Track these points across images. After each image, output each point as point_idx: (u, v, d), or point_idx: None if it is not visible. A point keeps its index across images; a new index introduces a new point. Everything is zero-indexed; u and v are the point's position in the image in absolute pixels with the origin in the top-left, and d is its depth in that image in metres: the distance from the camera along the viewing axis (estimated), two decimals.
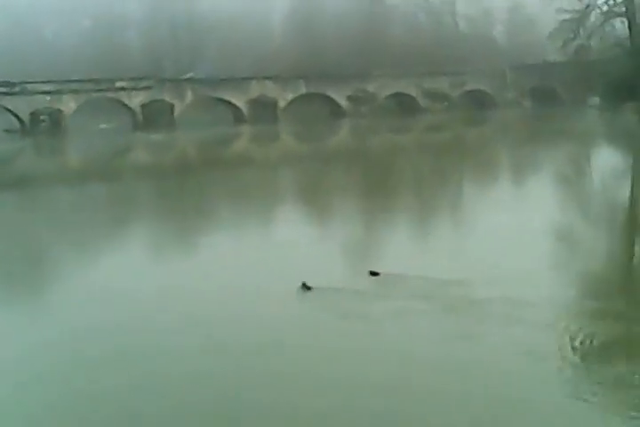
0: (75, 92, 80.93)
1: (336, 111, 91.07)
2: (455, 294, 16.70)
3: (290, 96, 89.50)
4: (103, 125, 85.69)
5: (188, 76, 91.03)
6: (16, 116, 79.83)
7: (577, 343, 14.05)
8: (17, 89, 78.43)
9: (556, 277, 18.64)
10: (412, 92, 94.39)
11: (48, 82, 79.84)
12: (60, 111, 79.94)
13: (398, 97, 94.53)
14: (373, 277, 18.33)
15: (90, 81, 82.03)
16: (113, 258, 23.19)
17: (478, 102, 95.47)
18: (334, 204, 33.31)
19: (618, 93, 64.92)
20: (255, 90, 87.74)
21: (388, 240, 23.94)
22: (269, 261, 20.67)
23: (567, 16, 73.73)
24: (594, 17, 74.10)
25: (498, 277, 17.64)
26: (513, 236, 22.16)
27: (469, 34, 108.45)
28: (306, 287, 17.38)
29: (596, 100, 76.22)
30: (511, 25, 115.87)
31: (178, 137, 76.07)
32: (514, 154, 51.63)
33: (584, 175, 39.47)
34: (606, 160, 43.07)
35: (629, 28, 72.40)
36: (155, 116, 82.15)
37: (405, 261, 19.76)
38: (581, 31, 73.35)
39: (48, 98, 79.54)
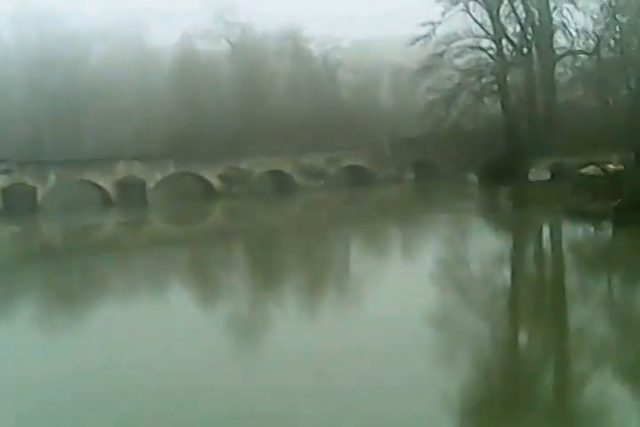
0: None
1: (209, 191, 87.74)
2: None
3: (159, 176, 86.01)
4: None
5: None
6: None
7: None
8: None
9: None
10: (288, 169, 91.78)
11: None
12: None
13: (273, 175, 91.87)
14: None
15: None
16: None
17: (358, 178, 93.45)
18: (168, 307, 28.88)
19: (493, 176, 63.96)
20: (122, 171, 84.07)
21: None
22: None
23: (437, 95, 72.96)
24: (465, 95, 73.45)
25: None
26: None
27: (352, 102, 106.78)
28: None
29: (474, 177, 74.94)
30: (394, 90, 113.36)
31: (40, 223, 71.91)
32: (392, 235, 49.40)
33: (459, 263, 35.88)
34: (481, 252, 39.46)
35: (502, 107, 71.98)
36: (17, 201, 77.68)
37: None
38: (453, 109, 72.57)
39: None
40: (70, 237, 60.32)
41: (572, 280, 30.21)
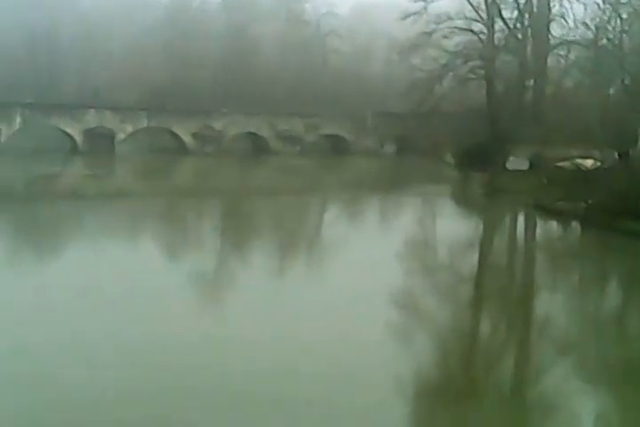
0: None
1: (180, 148, 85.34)
2: None
3: (130, 129, 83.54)
4: None
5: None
6: None
7: None
8: None
9: None
10: (264, 133, 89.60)
11: None
12: None
13: (248, 137, 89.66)
14: None
15: None
16: None
17: (335, 148, 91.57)
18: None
19: (470, 160, 62.78)
20: (92, 120, 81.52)
21: None
22: None
23: (423, 74, 71.05)
24: (450, 77, 71.67)
25: None
26: None
27: (340, 71, 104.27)
28: None
29: (452, 158, 73.46)
30: (386, 63, 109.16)
31: None
32: (362, 210, 48.79)
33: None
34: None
35: (487, 93, 70.11)
36: None
37: None
38: (437, 90, 70.77)
39: None
40: (29, 182, 57.72)
41: (535, 275, 30.14)
